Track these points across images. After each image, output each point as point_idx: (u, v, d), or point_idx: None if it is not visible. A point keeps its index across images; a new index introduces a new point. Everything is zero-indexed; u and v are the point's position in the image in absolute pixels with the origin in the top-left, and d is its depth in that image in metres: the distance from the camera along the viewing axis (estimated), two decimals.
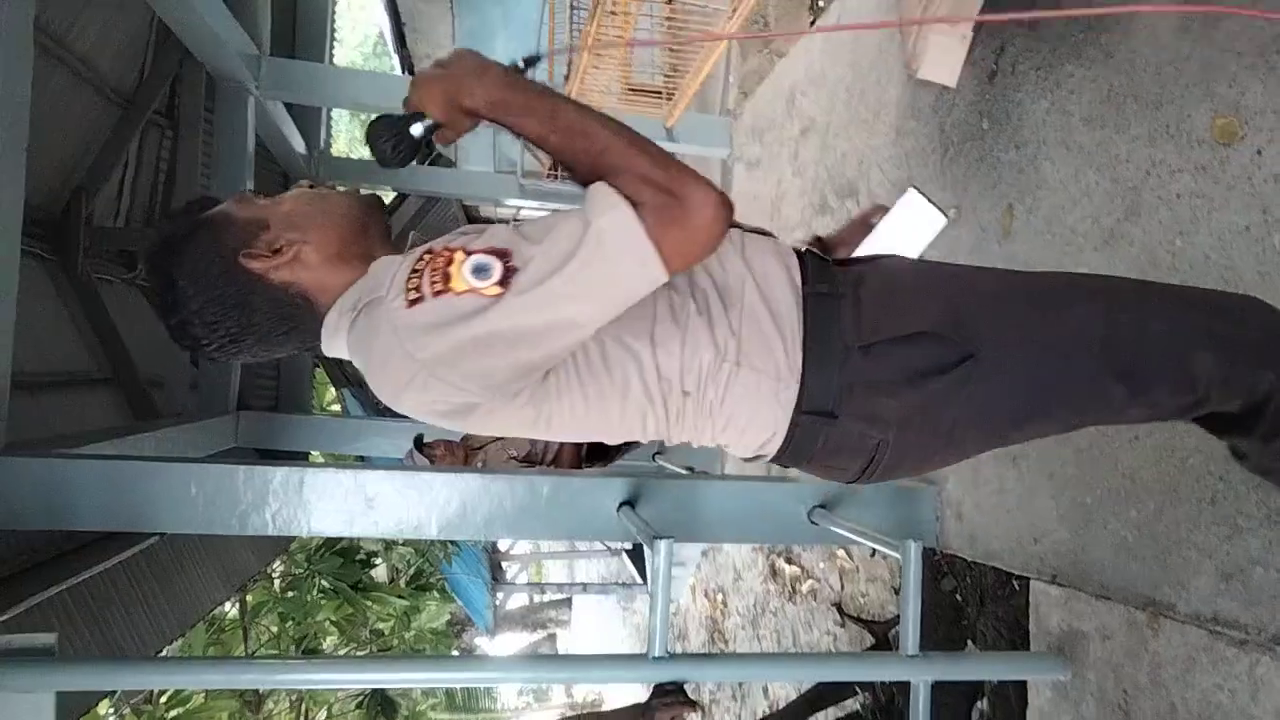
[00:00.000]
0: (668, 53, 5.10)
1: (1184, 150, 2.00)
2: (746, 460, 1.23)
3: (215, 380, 4.41)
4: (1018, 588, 2.58)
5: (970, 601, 2.84)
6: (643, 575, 9.30)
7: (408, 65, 8.78)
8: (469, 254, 0.96)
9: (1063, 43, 2.44)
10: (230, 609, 8.74)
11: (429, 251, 0.99)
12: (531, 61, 1.13)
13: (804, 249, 1.23)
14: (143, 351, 4.48)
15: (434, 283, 0.95)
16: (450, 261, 0.96)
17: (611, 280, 0.96)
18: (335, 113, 7.55)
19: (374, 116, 1.08)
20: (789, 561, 4.76)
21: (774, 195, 5.10)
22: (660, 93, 5.41)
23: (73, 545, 3.25)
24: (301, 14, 6.39)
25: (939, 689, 2.16)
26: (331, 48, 6.79)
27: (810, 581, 4.44)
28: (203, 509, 2.32)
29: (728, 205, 0.97)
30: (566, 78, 5.46)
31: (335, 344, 1.11)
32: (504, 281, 0.94)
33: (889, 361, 1.10)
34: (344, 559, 9.22)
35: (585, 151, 1.00)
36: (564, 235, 0.96)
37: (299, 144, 6.07)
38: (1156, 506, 2.00)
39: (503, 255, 0.96)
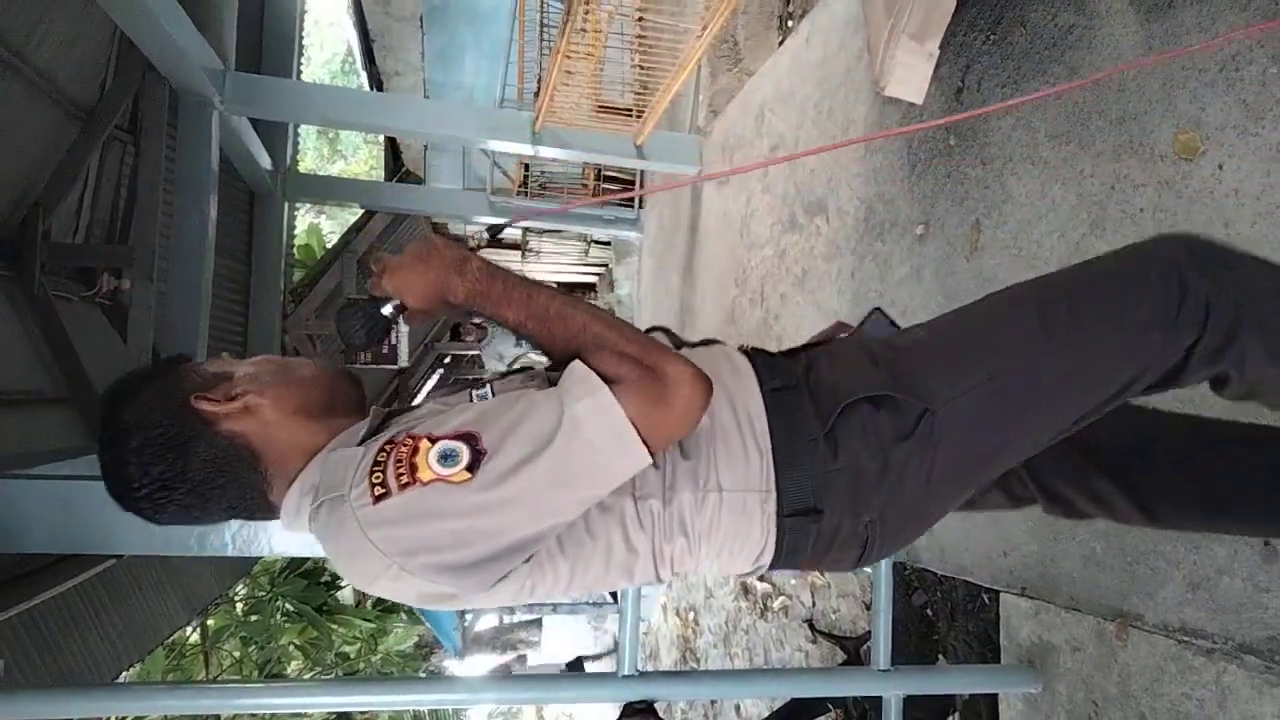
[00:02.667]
0: (637, 70, 5.12)
1: (1147, 165, 2.03)
2: (741, 576, 1.22)
3: None
4: (988, 601, 2.58)
5: (941, 616, 2.83)
6: (613, 595, 9.24)
7: (376, 82, 8.75)
8: (434, 440, 0.92)
9: (1027, 60, 2.48)
10: (191, 634, 8.56)
11: (390, 442, 0.95)
12: (498, 230, 1.24)
13: (748, 348, 1.21)
14: (101, 370, 4.38)
15: (399, 475, 0.91)
16: (415, 450, 0.92)
17: (591, 468, 0.94)
18: (302, 129, 7.49)
19: (343, 303, 1.05)
20: (760, 579, 4.75)
21: (743, 213, 5.12)
22: (630, 111, 5.43)
23: (24, 569, 3.16)
24: (268, 29, 6.34)
25: (911, 703, 2.15)
26: (299, 63, 6.75)
27: (782, 599, 4.43)
28: (160, 530, 2.25)
29: (706, 381, 0.97)
30: (536, 95, 5.47)
31: (297, 524, 1.05)
32: (472, 466, 0.90)
33: (854, 441, 1.07)
34: (308, 581, 9.08)
35: (562, 334, 1.00)
36: (538, 419, 0.93)
37: (265, 160, 6.01)
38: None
39: (470, 439, 0.92)
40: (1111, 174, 2.13)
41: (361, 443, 1.01)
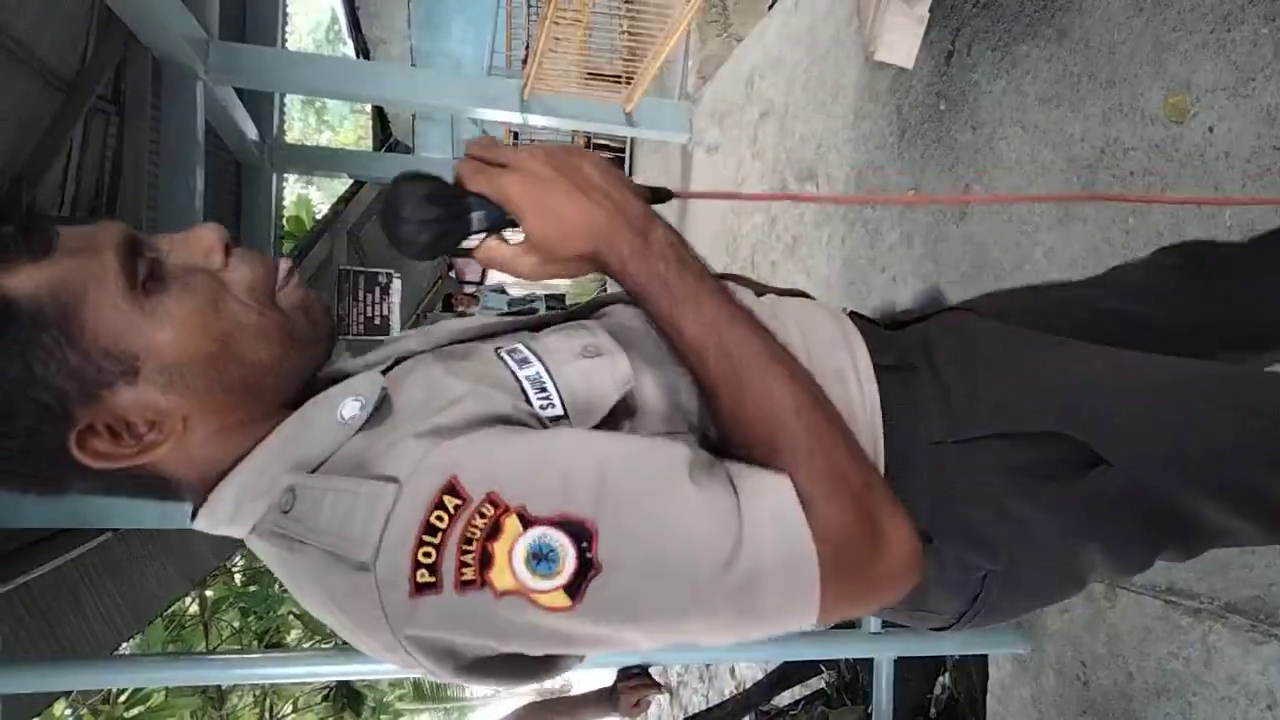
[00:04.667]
0: (626, 36, 5.06)
1: (1137, 128, 2.02)
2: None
3: None
4: None
5: None
6: None
7: (362, 50, 8.64)
8: (528, 523, 0.57)
9: (1018, 23, 2.46)
10: (190, 605, 8.61)
11: (454, 489, 0.58)
12: (664, 196, 0.75)
13: (846, 309, 0.91)
14: None
15: (462, 566, 0.56)
16: (496, 530, 0.57)
17: (742, 631, 0.63)
18: (289, 99, 7.40)
19: (409, 172, 0.68)
20: None
21: (734, 179, 5.10)
22: (619, 78, 5.38)
23: (18, 544, 3.16)
24: None
25: (902, 665, 2.18)
26: (284, 32, 6.65)
27: None
28: (156, 504, 2.26)
29: (921, 562, 0.65)
30: (524, 62, 5.42)
31: (225, 529, 0.68)
32: (574, 588, 0.57)
33: (993, 461, 0.79)
34: None
35: (753, 396, 0.65)
36: (697, 537, 0.59)
37: (251, 131, 5.95)
38: None
39: (579, 532, 0.57)
40: (1102, 137, 2.13)
41: (361, 430, 0.66)
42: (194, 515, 0.69)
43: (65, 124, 4.28)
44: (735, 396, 0.66)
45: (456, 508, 0.57)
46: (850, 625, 3.31)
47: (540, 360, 0.70)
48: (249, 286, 0.67)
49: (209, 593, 8.66)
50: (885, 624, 2.16)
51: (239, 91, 5.49)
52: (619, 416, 0.71)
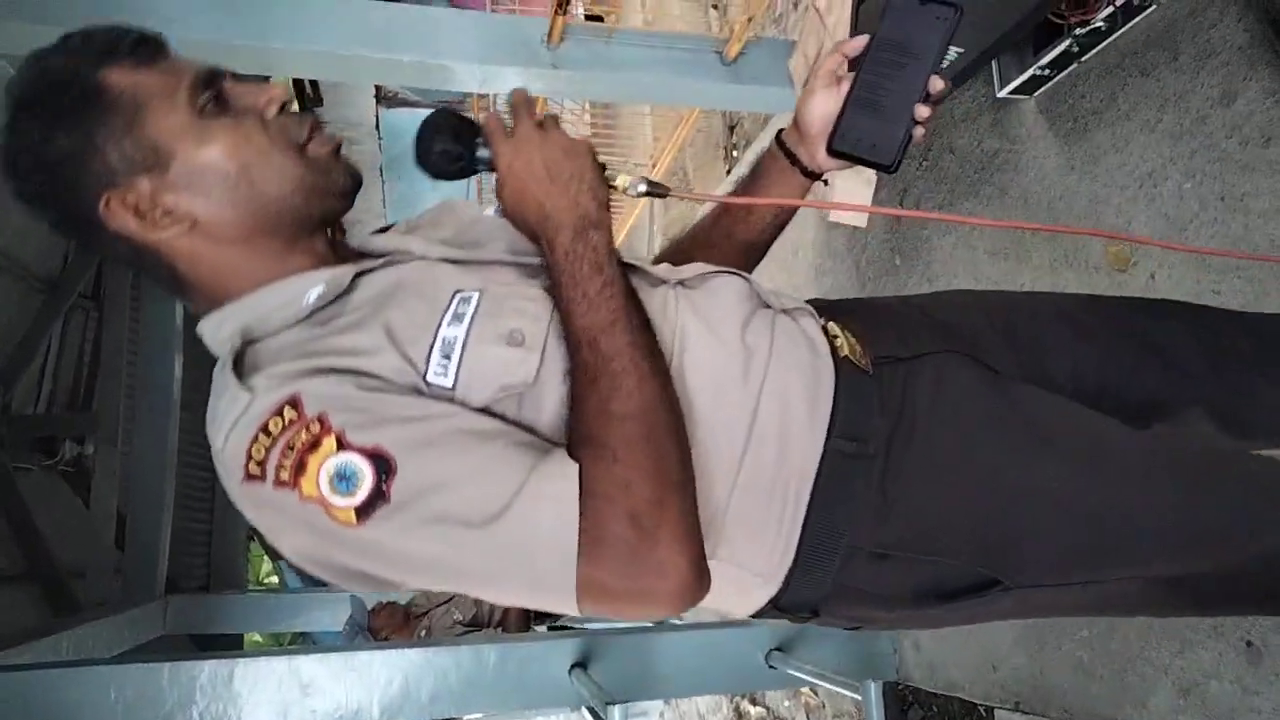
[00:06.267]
0: None
1: (1083, 277, 2.11)
2: None
3: (141, 564, 4.20)
4: (984, 714, 2.52)
5: None
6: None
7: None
8: (342, 447, 0.68)
9: (960, 183, 2.60)
10: None
11: (295, 404, 0.70)
12: (661, 193, 0.95)
13: (838, 347, 0.89)
14: (63, 540, 4.27)
15: (280, 468, 0.69)
16: (315, 445, 0.68)
17: (508, 591, 0.74)
18: None
19: (447, 111, 0.87)
20: (753, 703, 4.60)
21: None
22: None
23: None
24: None
25: None
26: None
27: None
28: (123, 715, 2.16)
29: (694, 597, 0.71)
30: None
31: (213, 349, 0.84)
32: (365, 509, 0.68)
33: (901, 576, 0.84)
34: None
35: (598, 393, 0.73)
36: (470, 496, 0.69)
37: None
38: (1107, 624, 2.00)
39: (382, 465, 0.68)
40: (1050, 286, 2.21)
41: (309, 316, 0.79)
42: (196, 320, 0.84)
43: (45, 323, 4.35)
44: (585, 387, 0.74)
45: (292, 420, 0.69)
46: None
47: (471, 323, 0.77)
48: (283, 131, 0.81)
49: None
50: None
51: None
52: (506, 402, 0.77)
